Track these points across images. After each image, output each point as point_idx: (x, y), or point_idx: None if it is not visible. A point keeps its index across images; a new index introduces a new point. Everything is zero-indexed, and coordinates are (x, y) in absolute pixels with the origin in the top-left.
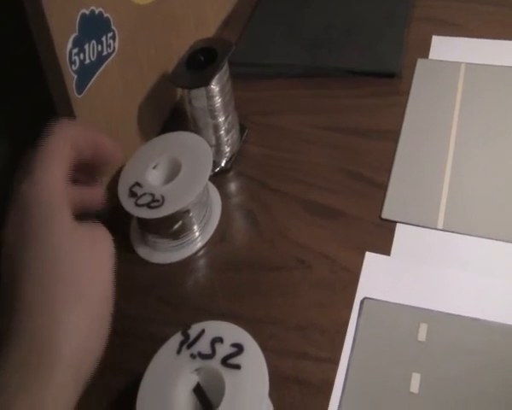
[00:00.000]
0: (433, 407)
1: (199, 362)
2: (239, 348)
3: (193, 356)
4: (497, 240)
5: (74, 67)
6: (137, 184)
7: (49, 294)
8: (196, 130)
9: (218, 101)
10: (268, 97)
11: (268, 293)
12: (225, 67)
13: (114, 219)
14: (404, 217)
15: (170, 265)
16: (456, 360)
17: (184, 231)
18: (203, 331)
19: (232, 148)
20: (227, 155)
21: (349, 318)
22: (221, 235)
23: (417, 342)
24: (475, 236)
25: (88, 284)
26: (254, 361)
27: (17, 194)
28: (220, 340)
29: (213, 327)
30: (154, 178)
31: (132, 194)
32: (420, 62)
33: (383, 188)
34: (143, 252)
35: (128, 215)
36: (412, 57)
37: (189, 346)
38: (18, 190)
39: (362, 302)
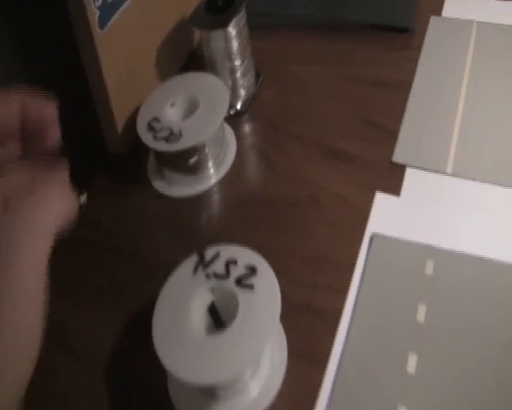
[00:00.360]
0: (438, 336)
1: (214, 282)
2: (252, 270)
3: (208, 276)
4: (505, 186)
5: (97, 3)
6: (156, 119)
7: None
8: (213, 72)
9: (235, 44)
10: (284, 47)
11: (281, 227)
12: (243, 12)
13: (133, 153)
14: (414, 161)
15: (185, 199)
16: (462, 294)
17: (200, 166)
18: (218, 254)
19: (247, 92)
20: (242, 98)
21: (359, 253)
22: (235, 173)
23: (424, 276)
24: (483, 182)
25: None
26: (267, 282)
27: None
28: (234, 262)
29: (228, 250)
30: (172, 114)
31: (151, 128)
32: (433, 19)
33: (395, 134)
34: (159, 186)
35: (145, 150)
36: (426, 14)
37: (205, 267)
38: None
39: (371, 239)
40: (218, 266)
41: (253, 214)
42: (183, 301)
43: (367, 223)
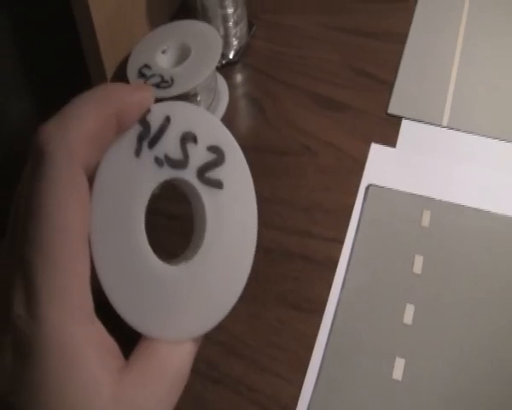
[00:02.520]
0: (435, 287)
1: (167, 171)
2: (218, 155)
3: (159, 162)
4: (501, 139)
5: None
6: (146, 66)
7: None
8: (205, 20)
9: None
10: None
11: (274, 175)
12: None
13: None
14: (410, 113)
15: None
16: (458, 245)
17: None
18: (168, 120)
19: (240, 41)
20: (235, 47)
21: (354, 202)
22: (228, 122)
23: (420, 227)
24: (479, 134)
25: None
26: (238, 177)
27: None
28: (193, 139)
29: (180, 113)
30: (163, 61)
31: (141, 75)
32: None
33: (390, 85)
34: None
35: None
36: None
37: (152, 143)
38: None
39: (367, 189)
40: (171, 144)
41: None
42: (124, 204)
43: (362, 173)
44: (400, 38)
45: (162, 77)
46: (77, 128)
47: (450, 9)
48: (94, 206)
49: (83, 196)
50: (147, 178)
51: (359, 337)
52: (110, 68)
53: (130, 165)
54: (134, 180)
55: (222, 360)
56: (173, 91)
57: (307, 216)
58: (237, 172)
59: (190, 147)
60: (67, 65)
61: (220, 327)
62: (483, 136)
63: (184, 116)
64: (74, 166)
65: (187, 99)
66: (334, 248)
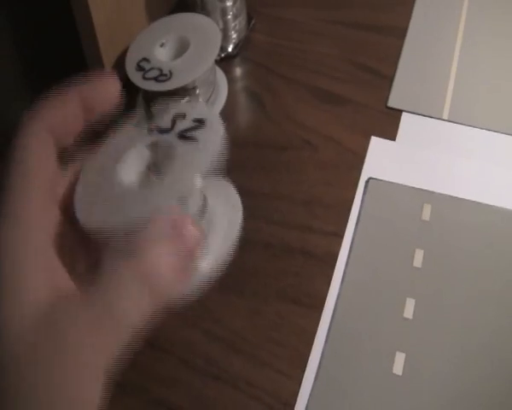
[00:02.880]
0: (435, 281)
1: (155, 136)
2: (200, 122)
3: (150, 130)
4: (500, 132)
5: None
6: (145, 59)
7: None
8: (204, 13)
9: None
10: None
11: (274, 170)
12: None
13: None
14: (410, 106)
15: None
16: (459, 238)
17: None
18: (167, 108)
19: (239, 34)
20: (234, 40)
21: (354, 196)
22: (227, 115)
23: (421, 220)
24: (479, 127)
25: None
26: (214, 136)
27: None
28: (183, 116)
29: (179, 105)
30: (161, 54)
31: (140, 68)
32: None
33: (389, 79)
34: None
35: (134, 92)
36: None
37: (149, 119)
38: None
39: (367, 182)
40: (165, 121)
41: (244, 157)
42: (116, 155)
43: (362, 167)
44: (400, 32)
45: (161, 70)
46: (44, 110)
47: (450, 3)
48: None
49: (47, 148)
50: (138, 139)
51: (359, 332)
52: (108, 62)
53: (127, 131)
54: (129, 139)
55: (221, 356)
56: (172, 85)
57: (307, 211)
58: (212, 133)
59: (179, 121)
60: (67, 63)
61: (219, 323)
62: (484, 129)
63: (180, 105)
64: (38, 130)
65: (186, 92)
66: (334, 242)
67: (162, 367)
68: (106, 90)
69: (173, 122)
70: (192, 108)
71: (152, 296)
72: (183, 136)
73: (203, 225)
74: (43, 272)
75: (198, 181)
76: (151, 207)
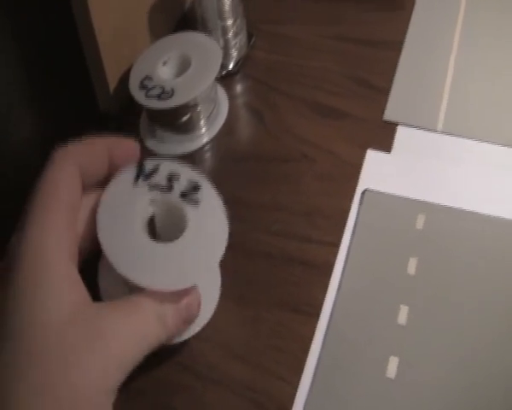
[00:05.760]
0: (429, 288)
1: (157, 194)
2: (195, 186)
3: (150, 187)
4: (494, 143)
5: None
6: (148, 77)
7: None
8: (205, 32)
9: (227, 2)
10: (276, 8)
11: (273, 182)
12: None
13: (125, 113)
14: (405, 119)
15: (176, 156)
16: (452, 246)
17: (192, 125)
18: (158, 166)
19: (240, 52)
20: (235, 58)
21: (350, 207)
22: (228, 131)
23: (415, 230)
24: (473, 139)
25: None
26: (212, 199)
27: (7, 247)
28: (177, 177)
29: (168, 165)
30: (164, 72)
31: (143, 86)
32: None
33: (386, 93)
34: (151, 144)
35: (138, 110)
36: None
37: (146, 178)
38: (9, 242)
39: (363, 193)
40: (160, 179)
41: (244, 171)
42: (125, 211)
43: (358, 178)
44: (396, 46)
45: (163, 88)
46: (76, 148)
47: (445, 18)
48: (101, 208)
49: (74, 178)
50: (141, 195)
51: (354, 337)
52: (112, 80)
53: (129, 187)
54: (132, 195)
55: (222, 362)
56: (174, 102)
57: (306, 221)
58: (210, 195)
59: (175, 181)
60: (72, 82)
61: (220, 330)
62: (477, 140)
63: (170, 165)
64: (69, 163)
65: (187, 109)
66: (332, 251)
67: (164, 373)
68: (129, 148)
69: (169, 181)
70: (183, 169)
71: (162, 328)
72: (185, 197)
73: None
74: (66, 280)
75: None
76: (180, 279)
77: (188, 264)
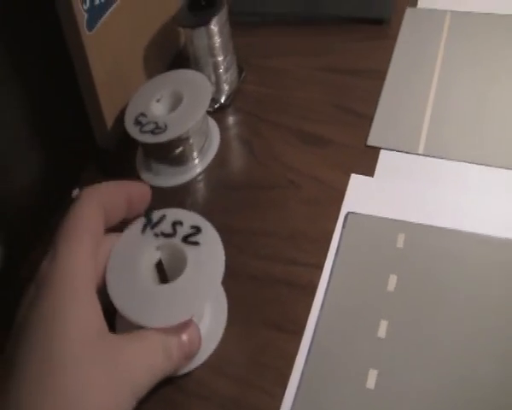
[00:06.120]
0: (407, 303)
1: (162, 240)
2: (197, 229)
3: (156, 235)
4: (473, 163)
5: (85, 7)
6: (142, 114)
7: (27, 402)
8: (197, 69)
9: (217, 41)
10: (265, 43)
11: (261, 209)
12: (224, 9)
13: (122, 149)
14: (388, 143)
15: (171, 188)
16: (431, 263)
17: (185, 157)
18: (164, 216)
19: (231, 86)
20: (226, 92)
21: (334, 230)
22: (219, 162)
23: (395, 248)
24: (453, 160)
25: None
26: (211, 239)
27: (38, 271)
28: (180, 223)
29: (173, 213)
30: (157, 109)
31: (137, 122)
32: (408, 10)
33: (370, 119)
34: (147, 177)
35: (134, 145)
36: (402, 5)
37: (153, 227)
38: (40, 266)
39: (346, 216)
40: (165, 227)
41: (234, 199)
42: (133, 258)
43: (342, 202)
44: (380, 75)
45: (156, 123)
46: (101, 189)
47: (428, 45)
48: (112, 256)
49: (98, 215)
50: (148, 242)
51: (336, 352)
52: (109, 118)
53: (137, 236)
54: (140, 243)
55: (211, 379)
56: (166, 136)
57: (292, 244)
58: (210, 237)
59: (178, 227)
60: (71, 122)
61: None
62: (456, 160)
63: (175, 213)
64: (95, 202)
65: (180, 143)
66: (315, 272)
67: (156, 389)
68: (145, 192)
69: (174, 228)
70: (186, 216)
71: (167, 359)
72: (186, 240)
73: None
74: (91, 308)
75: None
76: (178, 313)
77: (185, 299)
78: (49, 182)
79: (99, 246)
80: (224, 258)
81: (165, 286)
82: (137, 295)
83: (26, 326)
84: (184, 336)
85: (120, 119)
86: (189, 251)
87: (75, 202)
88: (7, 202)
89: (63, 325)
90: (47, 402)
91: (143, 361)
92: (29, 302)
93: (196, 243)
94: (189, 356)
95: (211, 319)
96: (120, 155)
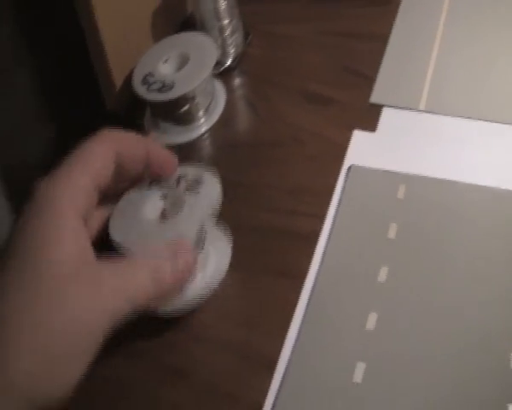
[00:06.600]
0: (408, 250)
1: (165, 190)
2: (199, 181)
3: (161, 187)
4: (473, 119)
5: None
6: (150, 74)
7: (9, 309)
8: (204, 32)
9: (222, 3)
10: (272, 9)
11: (265, 165)
12: None
13: (131, 110)
14: (390, 100)
15: (178, 145)
16: (431, 213)
17: (191, 116)
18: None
19: (236, 49)
20: (232, 55)
21: (336, 183)
22: (224, 121)
23: (396, 199)
24: (454, 116)
25: (65, 326)
26: (212, 187)
27: (35, 187)
28: (184, 176)
29: (181, 168)
30: (164, 69)
31: (145, 82)
32: None
33: (373, 80)
34: (156, 135)
35: (142, 106)
36: None
37: (158, 182)
38: (37, 182)
39: (348, 169)
40: (170, 180)
41: (239, 155)
42: (137, 205)
43: (345, 156)
44: (384, 38)
45: (164, 82)
46: (118, 135)
47: (430, 10)
48: (119, 203)
49: (109, 156)
50: (153, 193)
51: (337, 296)
52: (118, 80)
53: (144, 187)
54: (145, 193)
55: (213, 323)
56: (173, 94)
57: (294, 197)
58: (211, 186)
59: (182, 180)
60: (80, 85)
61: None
62: (457, 116)
63: (182, 169)
64: (108, 144)
65: (186, 101)
66: (317, 222)
67: (158, 331)
68: (167, 161)
69: (178, 181)
70: (191, 170)
71: (155, 287)
72: (188, 189)
73: (201, 255)
74: (74, 234)
75: (201, 222)
76: (167, 237)
77: (180, 229)
78: (60, 154)
79: (100, 186)
80: (220, 190)
81: (162, 223)
82: (135, 229)
83: (20, 237)
84: (180, 260)
85: (129, 82)
86: (189, 199)
87: (89, 138)
88: (20, 173)
89: (42, 251)
90: (22, 326)
91: (128, 289)
92: (22, 220)
93: (197, 192)
94: (181, 282)
95: (216, 261)
96: (129, 119)
